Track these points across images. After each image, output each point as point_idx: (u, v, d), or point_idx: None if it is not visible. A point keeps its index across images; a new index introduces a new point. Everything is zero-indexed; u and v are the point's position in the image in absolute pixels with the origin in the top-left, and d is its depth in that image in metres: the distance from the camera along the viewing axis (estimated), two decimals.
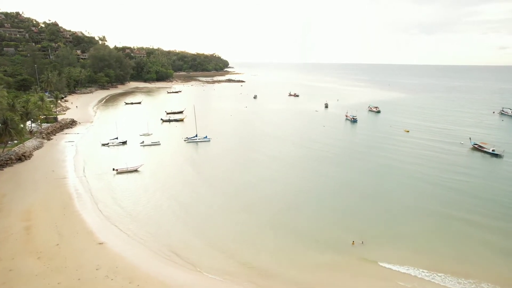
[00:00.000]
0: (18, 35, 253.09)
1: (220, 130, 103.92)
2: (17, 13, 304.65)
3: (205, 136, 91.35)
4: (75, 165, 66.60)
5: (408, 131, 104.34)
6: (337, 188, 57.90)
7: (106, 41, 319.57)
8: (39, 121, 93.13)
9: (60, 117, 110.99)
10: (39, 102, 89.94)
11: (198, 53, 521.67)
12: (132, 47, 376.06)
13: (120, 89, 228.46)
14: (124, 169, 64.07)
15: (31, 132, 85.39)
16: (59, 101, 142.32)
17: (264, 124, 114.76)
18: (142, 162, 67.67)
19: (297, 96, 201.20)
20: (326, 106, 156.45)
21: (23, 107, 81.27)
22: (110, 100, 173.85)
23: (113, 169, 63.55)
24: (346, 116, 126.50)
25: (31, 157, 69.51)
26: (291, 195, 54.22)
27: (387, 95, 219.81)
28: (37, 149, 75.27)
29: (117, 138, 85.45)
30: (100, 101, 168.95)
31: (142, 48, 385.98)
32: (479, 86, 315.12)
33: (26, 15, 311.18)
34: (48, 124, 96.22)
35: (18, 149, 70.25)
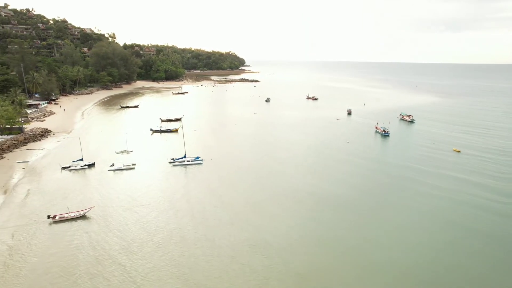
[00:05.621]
0: (24, 32, 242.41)
1: (217, 146, 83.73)
2: (27, 10, 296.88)
3: (196, 156, 71.44)
4: (3, 207, 47.92)
5: (459, 151, 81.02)
6: (368, 268, 36.47)
7: (115, 38, 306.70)
8: None
9: (32, 126, 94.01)
10: None
11: (213, 51, 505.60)
12: (145, 44, 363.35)
13: (124, 89, 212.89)
14: (65, 215, 44.86)
15: None
16: (45, 105, 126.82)
17: (274, 138, 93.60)
18: (93, 204, 48.25)
19: (316, 99, 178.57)
20: (349, 113, 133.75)
21: None
22: (108, 102, 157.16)
23: (48, 217, 44.34)
24: (376, 128, 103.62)
25: None
26: (302, 276, 33.39)
27: (417, 99, 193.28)
28: None
29: (82, 159, 66.57)
30: (96, 103, 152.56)
31: (156, 46, 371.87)
32: None
33: (37, 12, 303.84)
34: (9, 137, 78.86)
35: None
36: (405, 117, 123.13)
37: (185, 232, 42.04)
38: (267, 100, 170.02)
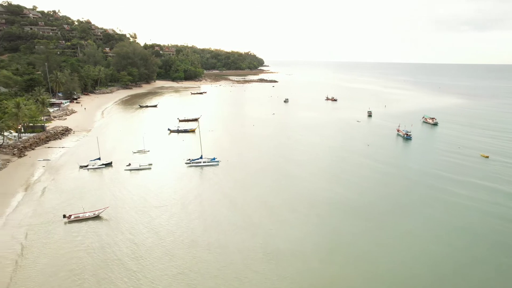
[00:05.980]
0: (50, 33, 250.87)
1: (234, 147, 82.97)
2: (54, 12, 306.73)
3: (213, 157, 70.80)
4: (22, 204, 48.74)
5: (487, 157, 76.81)
6: None
7: (136, 38, 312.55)
8: (20, 132, 78.80)
9: (54, 124, 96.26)
10: (14, 110, 74.24)
11: (232, 51, 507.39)
12: (165, 44, 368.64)
13: (144, 88, 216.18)
14: (80, 215, 45.04)
15: (0, 146, 70.02)
16: (67, 104, 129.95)
17: (291, 140, 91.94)
18: (107, 204, 48.28)
19: (335, 100, 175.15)
20: (370, 115, 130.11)
21: None
22: (127, 102, 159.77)
23: (64, 216, 44.65)
24: (398, 130, 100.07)
25: None
26: None
27: (440, 100, 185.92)
28: None
29: (99, 158, 67.25)
30: (116, 102, 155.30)
31: (176, 46, 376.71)
32: None
33: (63, 13, 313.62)
34: (32, 135, 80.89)
35: None
36: (428, 119, 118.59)
37: (197, 236, 41.23)
38: (286, 101, 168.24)
